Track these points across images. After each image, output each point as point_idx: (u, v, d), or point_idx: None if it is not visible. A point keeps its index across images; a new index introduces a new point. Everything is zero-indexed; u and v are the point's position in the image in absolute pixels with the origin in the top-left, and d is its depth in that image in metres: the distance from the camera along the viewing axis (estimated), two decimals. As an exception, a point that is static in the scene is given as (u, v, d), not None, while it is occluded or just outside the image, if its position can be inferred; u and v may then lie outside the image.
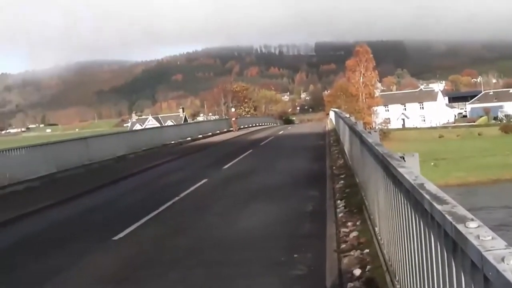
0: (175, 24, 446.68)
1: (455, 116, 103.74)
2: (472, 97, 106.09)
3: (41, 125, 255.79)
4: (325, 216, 8.82)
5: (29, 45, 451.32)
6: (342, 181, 11.75)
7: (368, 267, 5.71)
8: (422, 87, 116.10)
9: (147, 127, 66.05)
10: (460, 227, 1.97)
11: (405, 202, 3.54)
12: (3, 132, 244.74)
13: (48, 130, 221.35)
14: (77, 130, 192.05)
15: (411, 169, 3.63)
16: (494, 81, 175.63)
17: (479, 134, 68.75)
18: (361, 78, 71.34)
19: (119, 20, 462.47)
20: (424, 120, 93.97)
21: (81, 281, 6.50)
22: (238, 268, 6.39)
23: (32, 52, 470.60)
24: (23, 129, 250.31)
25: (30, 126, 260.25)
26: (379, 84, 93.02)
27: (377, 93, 78.96)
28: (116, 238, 8.41)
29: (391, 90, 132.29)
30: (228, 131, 44.17)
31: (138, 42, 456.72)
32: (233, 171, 16.40)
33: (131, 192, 14.24)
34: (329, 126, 38.19)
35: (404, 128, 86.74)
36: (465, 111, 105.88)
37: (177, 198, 11.85)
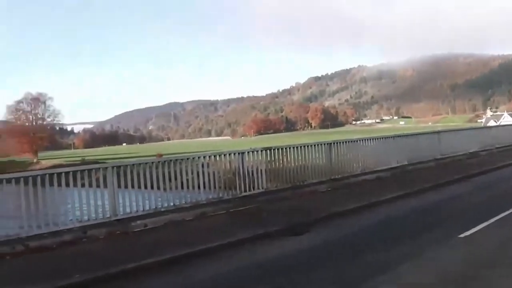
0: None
1: None
2: None
3: (395, 117, 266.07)
4: None
5: (384, 37, 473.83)
6: None
7: None
8: None
9: (501, 123, 61.96)
10: None
11: None
12: (358, 122, 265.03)
13: (402, 123, 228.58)
14: (430, 123, 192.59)
15: None
16: None
17: None
18: None
19: (476, 10, 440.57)
20: None
21: (423, 273, 6.67)
22: None
23: (387, 44, 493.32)
24: (377, 120, 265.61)
25: (384, 117, 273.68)
26: None
27: None
28: (462, 235, 8.48)
29: None
30: None
31: (496, 34, 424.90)
32: None
33: (481, 190, 13.99)
34: None
35: None
36: None
37: (529, 201, 11.26)
